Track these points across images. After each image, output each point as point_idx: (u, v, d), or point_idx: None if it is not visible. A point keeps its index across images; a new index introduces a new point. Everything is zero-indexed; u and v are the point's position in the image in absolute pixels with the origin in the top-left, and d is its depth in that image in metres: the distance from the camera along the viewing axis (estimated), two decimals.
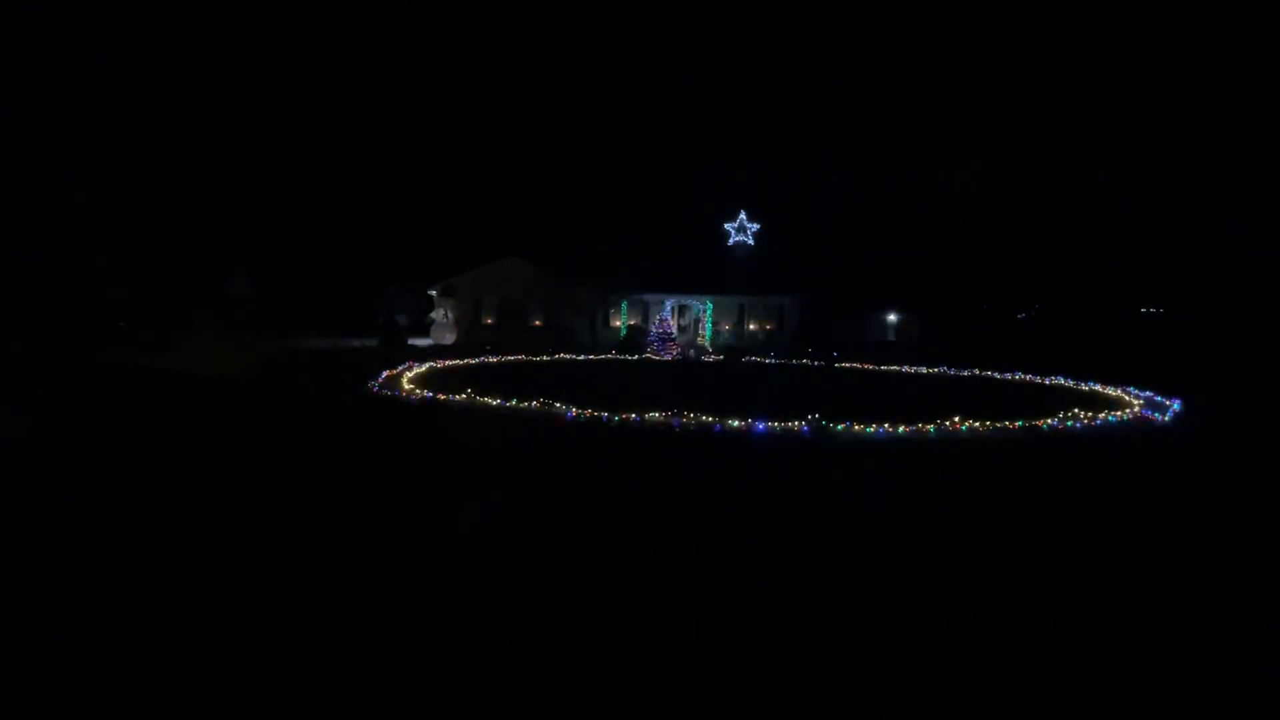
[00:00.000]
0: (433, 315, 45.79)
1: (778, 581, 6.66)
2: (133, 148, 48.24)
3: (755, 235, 47.49)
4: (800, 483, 10.75)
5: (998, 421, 14.84)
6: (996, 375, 27.93)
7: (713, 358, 31.40)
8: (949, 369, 29.70)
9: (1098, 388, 22.93)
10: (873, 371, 30.53)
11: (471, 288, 45.09)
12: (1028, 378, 26.69)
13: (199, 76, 56.42)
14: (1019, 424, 14.76)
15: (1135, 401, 19.48)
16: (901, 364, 32.12)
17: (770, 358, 35.08)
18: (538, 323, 45.40)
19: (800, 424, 14.01)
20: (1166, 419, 16.64)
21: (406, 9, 70.27)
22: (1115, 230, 53.40)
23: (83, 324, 37.98)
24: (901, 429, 13.86)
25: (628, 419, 14.48)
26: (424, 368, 25.93)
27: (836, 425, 13.89)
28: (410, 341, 40.51)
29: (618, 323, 46.15)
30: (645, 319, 44.96)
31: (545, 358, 32.83)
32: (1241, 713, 4.89)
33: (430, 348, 38.73)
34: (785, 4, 78.07)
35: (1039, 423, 14.95)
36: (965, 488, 10.64)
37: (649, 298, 45.28)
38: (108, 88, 49.82)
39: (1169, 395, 19.69)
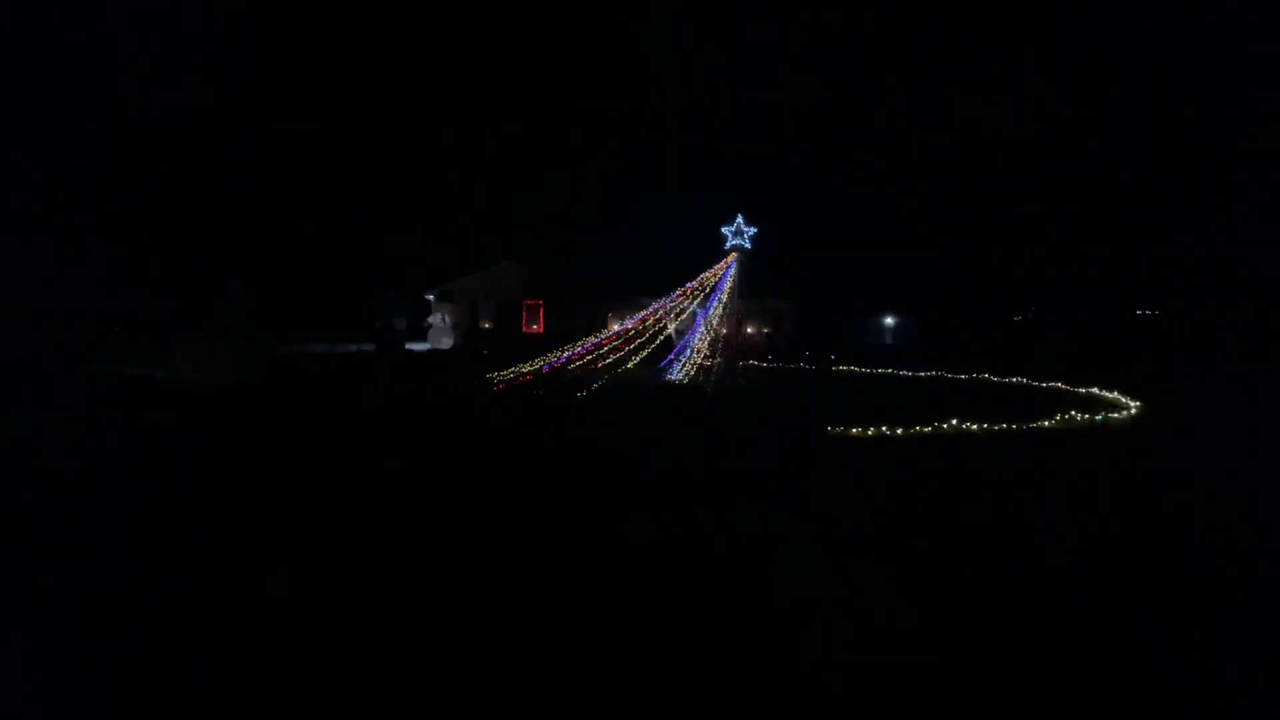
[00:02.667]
0: (430, 320, 45.73)
1: None
2: (128, 150, 48.19)
3: (752, 239, 47.47)
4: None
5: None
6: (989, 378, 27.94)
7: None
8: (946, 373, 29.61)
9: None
10: (869, 374, 30.33)
11: (468, 292, 45.02)
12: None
13: (197, 79, 56.34)
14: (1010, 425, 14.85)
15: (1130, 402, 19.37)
16: (899, 368, 32.01)
17: (769, 361, 35.11)
18: (535, 326, 45.39)
19: None
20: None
21: (404, 12, 70.26)
22: (1112, 231, 53.59)
23: (78, 327, 37.81)
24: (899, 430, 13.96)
25: None
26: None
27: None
28: (407, 346, 40.40)
29: (614, 325, 46.12)
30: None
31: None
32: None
33: (428, 352, 38.65)
34: (782, 4, 78.18)
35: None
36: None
37: (645, 301, 45.23)
38: (105, 89, 49.74)
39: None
